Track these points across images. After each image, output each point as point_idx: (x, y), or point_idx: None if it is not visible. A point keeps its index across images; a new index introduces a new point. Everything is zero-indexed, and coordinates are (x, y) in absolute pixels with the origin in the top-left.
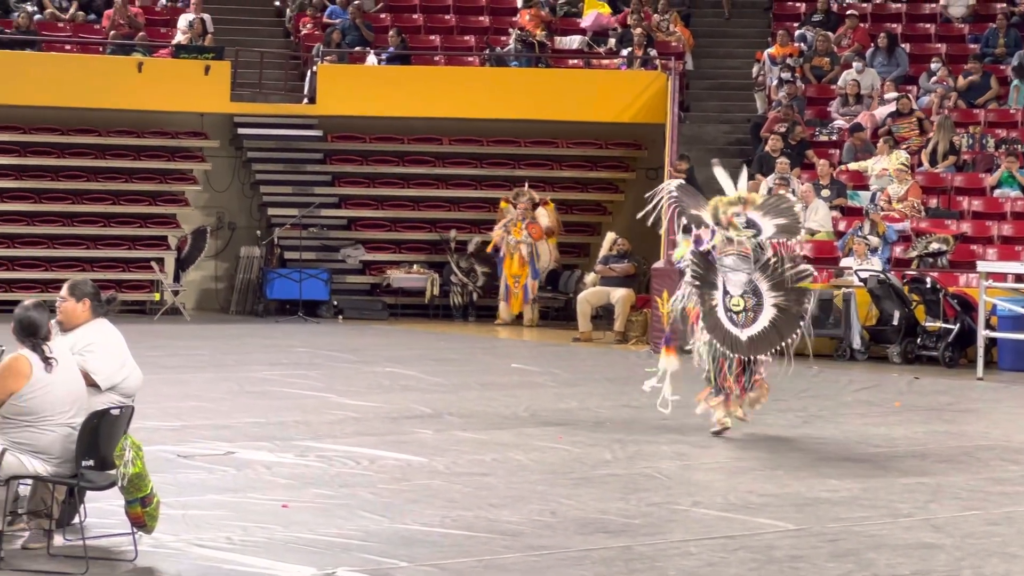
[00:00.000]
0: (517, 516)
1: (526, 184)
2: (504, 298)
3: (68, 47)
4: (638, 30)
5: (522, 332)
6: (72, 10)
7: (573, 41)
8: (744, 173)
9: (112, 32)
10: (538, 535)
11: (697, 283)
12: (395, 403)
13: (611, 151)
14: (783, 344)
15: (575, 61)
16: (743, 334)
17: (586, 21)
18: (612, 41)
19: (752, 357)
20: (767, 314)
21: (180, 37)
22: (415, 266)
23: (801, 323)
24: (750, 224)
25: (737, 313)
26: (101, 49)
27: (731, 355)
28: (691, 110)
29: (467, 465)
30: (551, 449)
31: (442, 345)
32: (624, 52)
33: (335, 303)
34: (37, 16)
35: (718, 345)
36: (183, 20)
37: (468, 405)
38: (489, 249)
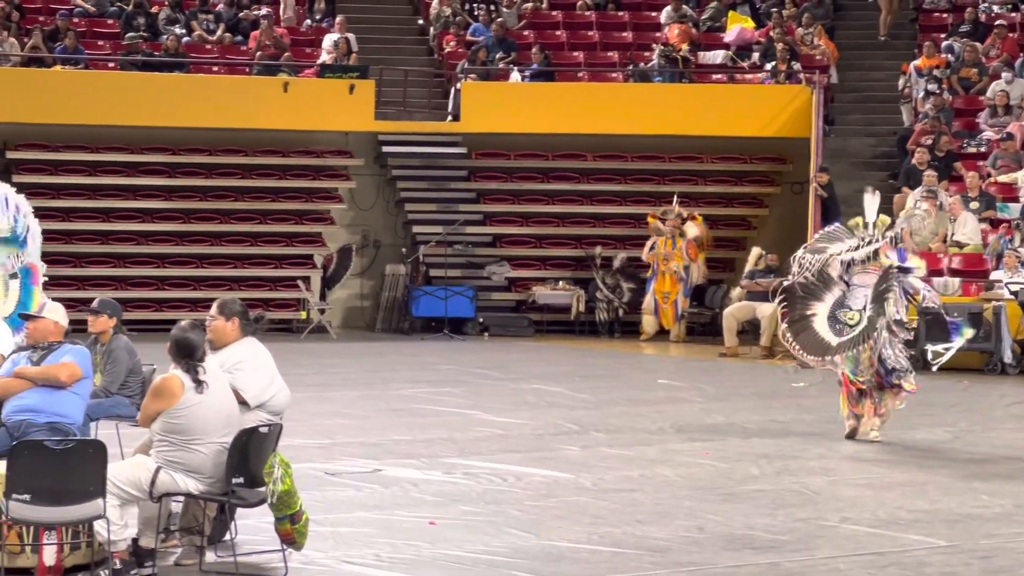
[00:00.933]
0: (664, 532)
1: (674, 199)
2: (652, 312)
3: (215, 69)
4: (780, 44)
5: (668, 348)
6: (219, 32)
7: (716, 56)
8: (876, 198)
9: (258, 53)
10: (686, 551)
11: (799, 292)
12: (541, 419)
13: (755, 165)
14: (853, 346)
15: (718, 76)
16: (835, 340)
17: (729, 36)
18: (756, 55)
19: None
20: (860, 323)
21: (325, 57)
22: (560, 283)
23: (874, 333)
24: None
25: (850, 326)
26: (248, 70)
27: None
28: (836, 123)
29: (614, 481)
30: (698, 465)
31: (588, 361)
32: (768, 66)
33: (481, 320)
34: (186, 39)
35: (803, 352)
36: (328, 40)
37: (614, 421)
38: (649, 273)
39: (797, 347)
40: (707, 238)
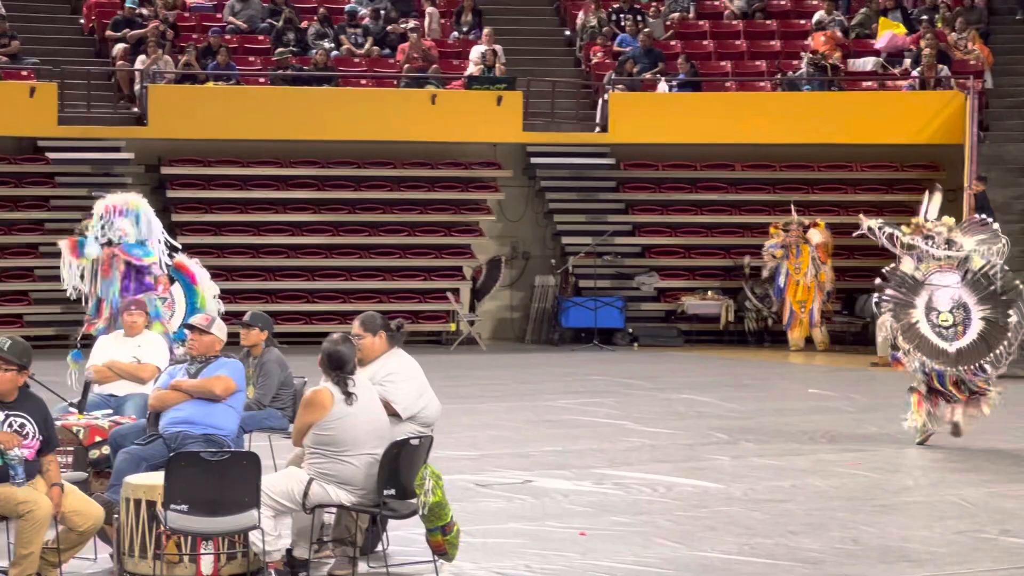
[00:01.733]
0: (818, 544)
1: (792, 208)
2: (789, 326)
3: (364, 82)
4: (926, 50)
5: (814, 357)
6: (367, 46)
7: (867, 63)
8: (936, 197)
9: (406, 66)
10: (839, 563)
11: (894, 300)
12: (691, 429)
13: (907, 173)
14: (993, 355)
15: (869, 83)
16: (951, 347)
17: (880, 42)
18: (907, 61)
19: (966, 369)
20: (975, 327)
21: (472, 68)
22: (709, 292)
23: (1009, 334)
24: (950, 243)
25: (946, 328)
26: (396, 83)
27: (943, 368)
28: (991, 129)
29: (765, 491)
30: (850, 475)
31: (737, 371)
32: (918, 72)
33: (630, 331)
34: (334, 53)
35: (926, 359)
36: (475, 52)
37: (765, 431)
38: (766, 274)
39: (924, 356)
40: (831, 244)
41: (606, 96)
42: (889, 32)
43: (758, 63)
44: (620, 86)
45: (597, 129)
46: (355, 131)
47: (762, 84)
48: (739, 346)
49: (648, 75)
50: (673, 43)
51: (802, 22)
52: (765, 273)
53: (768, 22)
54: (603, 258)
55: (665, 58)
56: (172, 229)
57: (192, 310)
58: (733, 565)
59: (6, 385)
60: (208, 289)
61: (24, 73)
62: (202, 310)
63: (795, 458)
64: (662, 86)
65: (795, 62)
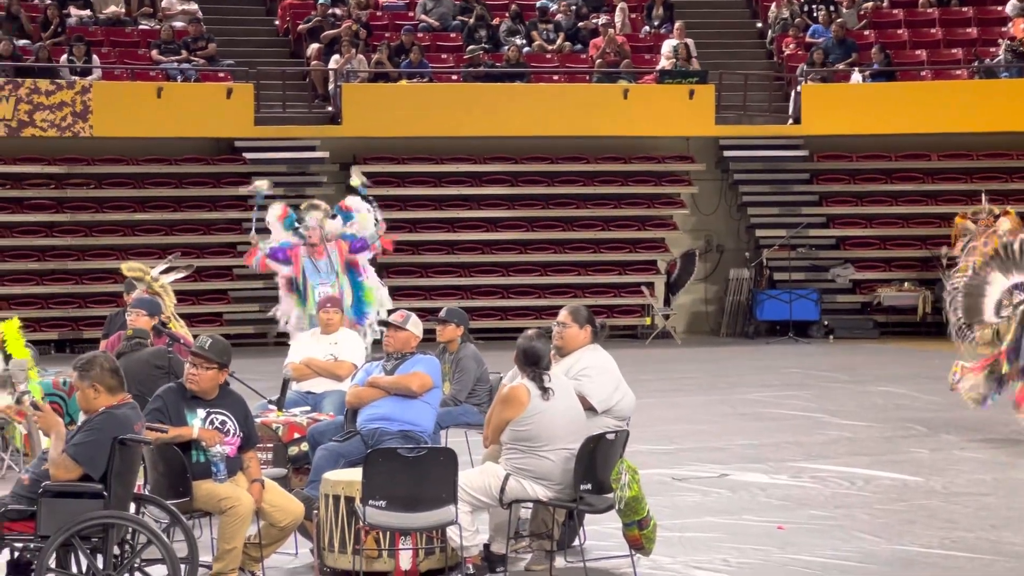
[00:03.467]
0: (1020, 538)
1: (983, 198)
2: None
3: (556, 78)
4: None
5: None
6: (559, 41)
7: None
8: None
9: (598, 61)
10: None
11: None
12: (889, 422)
13: None
14: None
15: None
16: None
17: None
18: None
19: None
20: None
21: (664, 63)
22: (906, 283)
23: None
24: None
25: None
26: (587, 78)
27: None
28: None
29: (965, 485)
30: None
31: (935, 363)
32: None
33: (825, 323)
34: (526, 49)
35: None
36: (667, 46)
37: (964, 423)
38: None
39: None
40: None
41: (799, 88)
42: None
43: (954, 51)
44: (813, 77)
45: (790, 121)
46: (548, 127)
47: (958, 72)
48: (936, 338)
49: (841, 66)
50: (867, 33)
51: (999, 8)
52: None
53: (964, 9)
54: (797, 250)
55: (858, 48)
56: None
57: (358, 304)
58: (934, 559)
59: (207, 383)
60: (375, 286)
61: (221, 75)
62: (367, 304)
63: (996, 451)
64: (856, 77)
65: (992, 49)
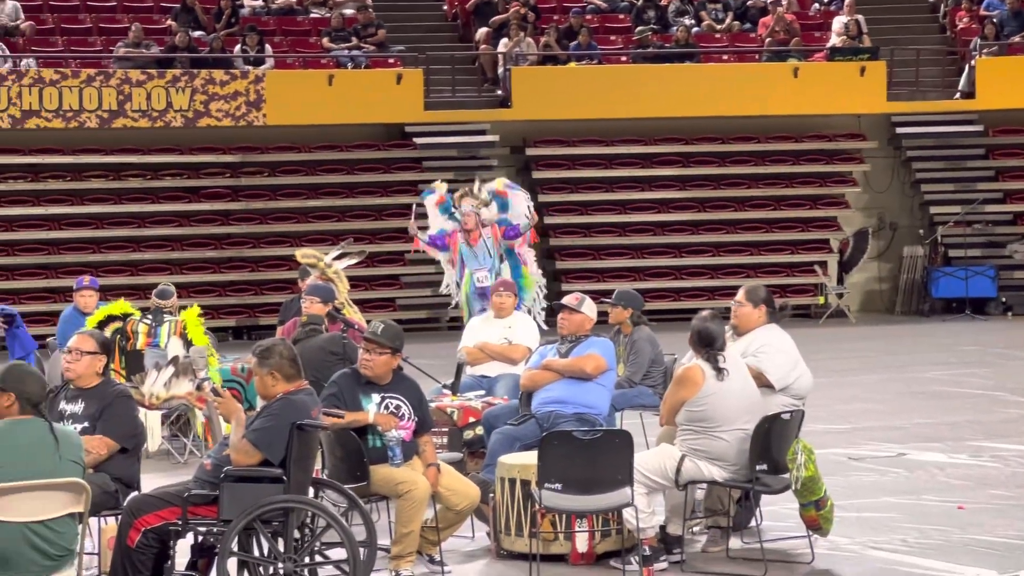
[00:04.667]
0: None
1: None
2: None
3: (725, 57)
4: None
5: None
6: (728, 20)
7: None
8: None
9: (768, 40)
10: None
11: None
12: None
13: None
14: None
15: None
16: None
17: None
18: None
19: None
20: None
21: (835, 40)
22: None
23: None
24: None
25: None
26: (757, 57)
27: None
28: None
29: None
30: None
31: None
32: None
33: (1003, 299)
34: (695, 29)
35: None
36: (837, 22)
37: None
38: None
39: None
40: None
41: (973, 62)
42: None
43: None
44: (987, 51)
45: (961, 96)
46: (718, 107)
47: None
48: None
49: (1017, 38)
50: None
51: None
52: None
53: None
54: (973, 226)
55: None
56: (539, 210)
57: (517, 290)
58: None
59: (381, 368)
60: (534, 274)
61: (391, 61)
62: (525, 290)
63: None
64: None
65: None
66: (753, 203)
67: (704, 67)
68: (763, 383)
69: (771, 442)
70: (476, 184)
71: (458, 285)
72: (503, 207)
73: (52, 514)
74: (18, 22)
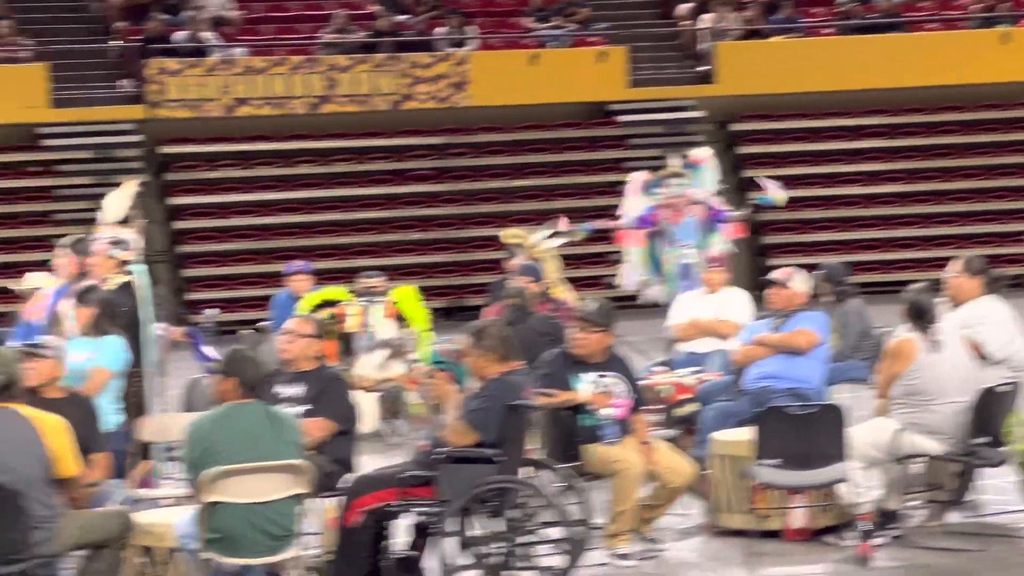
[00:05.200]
0: None
1: None
2: None
3: (932, 25)
4: None
5: None
6: None
7: None
8: None
9: (976, 6)
10: None
11: None
12: None
13: None
14: None
15: None
16: None
17: None
18: None
19: None
20: None
21: None
22: None
23: None
24: None
25: None
26: (963, 24)
27: None
28: None
29: None
30: None
31: None
32: None
33: None
34: None
35: None
36: None
37: None
38: None
39: None
40: None
41: None
42: None
43: None
44: None
45: None
46: (924, 77)
47: None
48: None
49: None
50: None
51: None
52: None
53: None
54: None
55: None
56: (742, 186)
57: (656, 267)
58: None
59: (593, 347)
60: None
61: (593, 39)
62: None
63: None
64: None
65: None
66: (961, 173)
67: (910, 36)
68: (980, 354)
69: (990, 415)
70: (677, 159)
71: (658, 265)
72: (696, 172)
73: (276, 495)
74: (229, 12)
